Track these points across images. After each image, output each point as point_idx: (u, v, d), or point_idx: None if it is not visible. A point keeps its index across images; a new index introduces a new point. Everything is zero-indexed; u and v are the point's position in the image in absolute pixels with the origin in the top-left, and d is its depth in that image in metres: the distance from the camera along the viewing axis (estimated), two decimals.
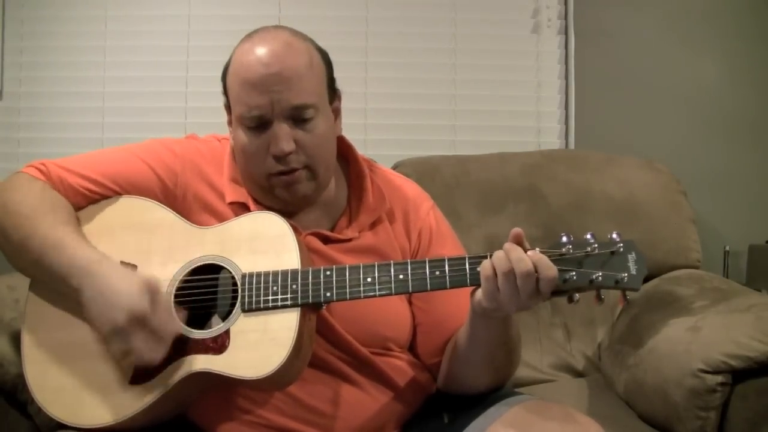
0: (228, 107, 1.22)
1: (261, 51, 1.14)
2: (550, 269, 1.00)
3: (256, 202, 1.22)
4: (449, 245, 1.29)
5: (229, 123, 1.23)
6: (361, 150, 1.33)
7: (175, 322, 1.08)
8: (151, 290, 1.04)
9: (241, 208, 1.21)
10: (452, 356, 1.20)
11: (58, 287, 1.11)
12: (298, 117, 1.15)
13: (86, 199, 1.20)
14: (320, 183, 1.21)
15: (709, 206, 2.19)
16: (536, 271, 1.00)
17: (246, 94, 1.15)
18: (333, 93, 1.22)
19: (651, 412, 1.46)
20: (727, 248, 2.21)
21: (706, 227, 2.13)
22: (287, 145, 1.14)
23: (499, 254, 1.03)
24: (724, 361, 1.31)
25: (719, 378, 1.32)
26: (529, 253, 1.02)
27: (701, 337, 1.39)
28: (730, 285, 1.69)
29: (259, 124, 1.15)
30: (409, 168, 1.89)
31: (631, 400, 1.54)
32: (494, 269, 1.02)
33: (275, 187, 1.19)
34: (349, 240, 1.23)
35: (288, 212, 1.20)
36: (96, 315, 1.05)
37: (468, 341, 1.15)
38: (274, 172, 1.17)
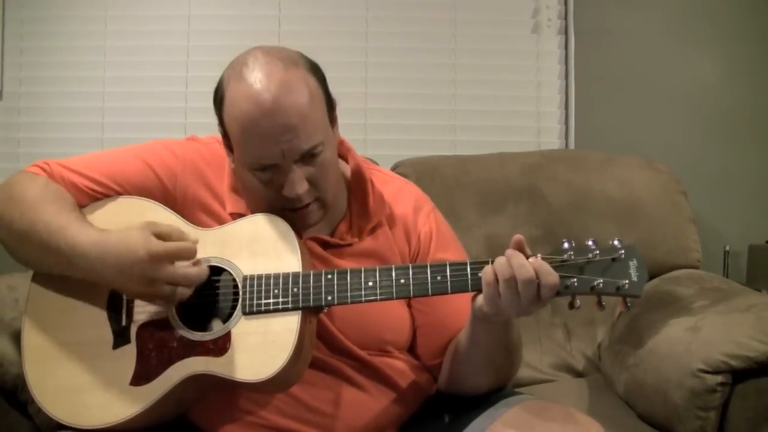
0: (225, 136, 1.17)
1: (259, 94, 1.07)
2: (551, 276, 1.01)
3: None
4: (450, 248, 1.29)
5: (228, 147, 1.18)
6: (361, 150, 1.32)
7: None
8: (155, 231, 1.07)
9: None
10: (453, 358, 1.21)
11: (66, 269, 1.11)
12: (307, 155, 1.11)
13: (88, 198, 1.20)
14: (329, 207, 1.19)
15: (709, 206, 2.19)
16: (537, 278, 1.00)
17: (252, 145, 1.10)
18: (331, 108, 1.18)
19: (651, 412, 1.46)
20: (727, 248, 2.21)
21: (706, 227, 2.13)
22: (301, 187, 1.11)
23: (500, 260, 1.03)
24: (724, 361, 1.32)
25: (719, 378, 1.32)
26: (530, 259, 1.02)
27: (701, 337, 1.40)
28: (730, 285, 1.69)
29: (268, 167, 1.12)
30: (409, 168, 1.89)
31: (631, 400, 1.54)
32: (496, 275, 1.02)
33: (284, 216, 1.16)
34: (349, 245, 1.23)
35: None
36: (116, 275, 1.06)
37: (468, 344, 1.15)
38: (286, 208, 1.15)
